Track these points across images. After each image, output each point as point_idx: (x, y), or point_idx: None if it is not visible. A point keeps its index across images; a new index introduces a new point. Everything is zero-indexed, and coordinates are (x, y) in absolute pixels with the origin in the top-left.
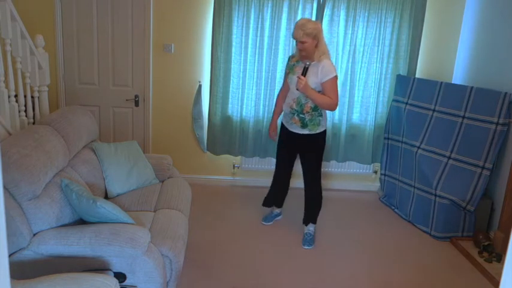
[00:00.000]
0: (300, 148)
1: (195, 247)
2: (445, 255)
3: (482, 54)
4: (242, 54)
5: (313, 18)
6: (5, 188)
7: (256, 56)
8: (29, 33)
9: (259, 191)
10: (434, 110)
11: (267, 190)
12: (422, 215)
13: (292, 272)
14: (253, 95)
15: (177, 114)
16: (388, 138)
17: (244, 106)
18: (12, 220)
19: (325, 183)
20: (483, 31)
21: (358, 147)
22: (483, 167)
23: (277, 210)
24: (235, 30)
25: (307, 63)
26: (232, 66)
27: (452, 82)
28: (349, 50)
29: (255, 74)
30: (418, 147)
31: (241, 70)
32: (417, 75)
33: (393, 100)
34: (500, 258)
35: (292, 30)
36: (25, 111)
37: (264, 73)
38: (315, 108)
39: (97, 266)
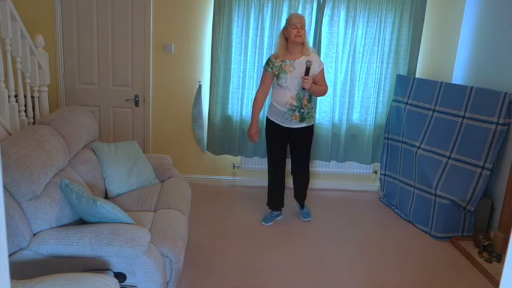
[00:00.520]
0: (295, 140)
1: (195, 247)
2: (445, 255)
3: (482, 54)
4: (242, 54)
5: (313, 18)
6: (5, 188)
7: (256, 56)
8: (29, 33)
9: (259, 191)
10: (434, 110)
11: (267, 190)
12: (422, 215)
13: (292, 271)
14: (253, 95)
15: (177, 114)
16: (388, 138)
17: (244, 106)
18: (12, 220)
19: (325, 183)
20: (483, 31)
21: (358, 147)
22: (483, 167)
23: (278, 211)
24: (235, 30)
25: (308, 63)
26: (232, 66)
27: (452, 82)
28: (349, 50)
29: (255, 74)
30: (418, 147)
31: (241, 70)
32: (417, 75)
33: (393, 100)
34: (500, 258)
35: (285, 23)
36: (25, 111)
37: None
38: (309, 100)
39: (97, 266)
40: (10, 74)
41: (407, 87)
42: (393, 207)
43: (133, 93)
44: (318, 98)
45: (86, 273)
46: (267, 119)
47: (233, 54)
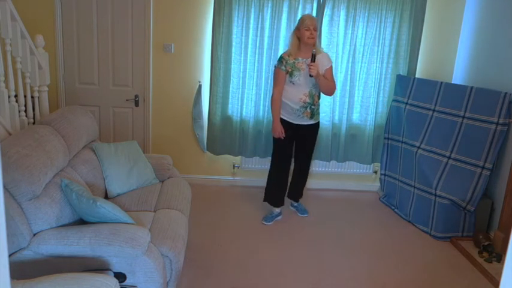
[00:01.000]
0: (302, 136)
1: (195, 247)
2: (445, 255)
3: (482, 54)
4: (242, 54)
5: None
6: (5, 188)
7: (256, 56)
8: (29, 33)
9: (259, 191)
10: (434, 110)
11: (265, 186)
12: (422, 215)
13: (293, 271)
14: (253, 95)
15: (177, 114)
16: (388, 138)
17: (244, 106)
18: (12, 220)
19: (325, 183)
20: (483, 31)
21: (358, 147)
22: (483, 167)
23: (277, 210)
24: (235, 30)
25: (314, 50)
26: (232, 66)
27: (452, 82)
28: (349, 50)
29: (255, 74)
30: (418, 147)
31: (241, 70)
32: (417, 75)
33: (393, 100)
34: (500, 258)
35: (298, 23)
36: (25, 111)
37: (264, 73)
38: (319, 97)
39: (97, 266)
40: (10, 74)
41: (407, 87)
42: (393, 207)
43: (133, 93)
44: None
45: (86, 273)
46: None
47: (233, 54)
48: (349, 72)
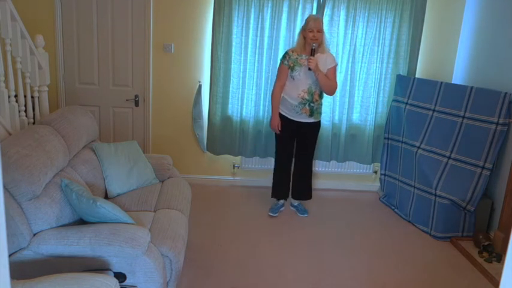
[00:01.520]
0: (303, 135)
1: (195, 247)
2: (445, 255)
3: (482, 54)
4: (242, 54)
5: None
6: (5, 188)
7: (256, 56)
8: (29, 33)
9: (259, 191)
10: (434, 110)
11: (267, 190)
12: (422, 215)
13: (292, 271)
14: (253, 95)
15: (177, 114)
16: (388, 138)
17: (244, 106)
18: (12, 220)
19: (325, 183)
20: (483, 31)
21: (358, 147)
22: (483, 167)
23: (281, 201)
24: (235, 30)
25: (314, 45)
26: (232, 66)
27: (452, 82)
28: (349, 50)
29: (255, 74)
30: (418, 147)
31: (241, 70)
32: (417, 75)
33: (393, 100)
34: (500, 258)
35: (304, 24)
36: (25, 111)
37: (264, 73)
38: (320, 96)
39: (97, 266)
40: (10, 74)
41: (407, 87)
42: (393, 207)
43: (133, 93)
44: None
45: (86, 273)
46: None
47: (233, 54)
48: (349, 72)
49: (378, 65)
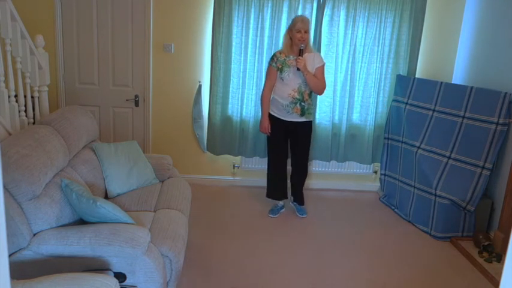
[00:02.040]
0: (295, 135)
1: (195, 247)
2: (445, 255)
3: (482, 54)
4: (242, 54)
5: (313, 18)
6: (5, 188)
7: (256, 56)
8: (29, 33)
9: (259, 191)
10: (434, 110)
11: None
12: (422, 215)
13: (292, 271)
14: (253, 95)
15: (177, 114)
16: (388, 138)
17: (244, 106)
18: (12, 220)
19: (325, 183)
20: (483, 31)
21: (358, 147)
22: (483, 167)
23: (281, 203)
24: (235, 30)
25: (302, 45)
26: (232, 66)
27: (452, 82)
28: (349, 50)
29: (255, 74)
30: (418, 147)
31: (241, 70)
32: (417, 75)
33: (393, 100)
34: (500, 258)
35: (290, 24)
36: (25, 111)
37: (264, 73)
38: (310, 95)
39: (97, 266)
40: (10, 74)
41: (407, 87)
42: (393, 207)
43: (133, 93)
44: (318, 97)
45: (86, 273)
46: (268, 114)
47: (233, 54)
48: (349, 72)
49: (377, 65)
